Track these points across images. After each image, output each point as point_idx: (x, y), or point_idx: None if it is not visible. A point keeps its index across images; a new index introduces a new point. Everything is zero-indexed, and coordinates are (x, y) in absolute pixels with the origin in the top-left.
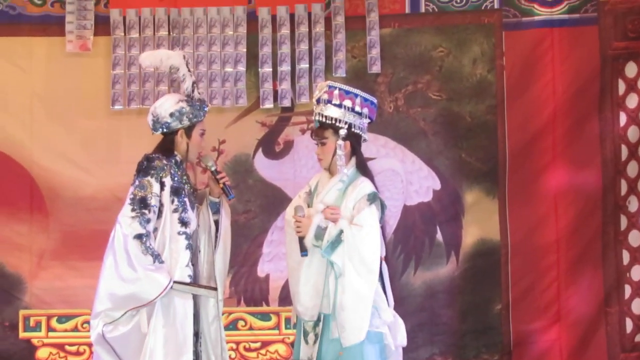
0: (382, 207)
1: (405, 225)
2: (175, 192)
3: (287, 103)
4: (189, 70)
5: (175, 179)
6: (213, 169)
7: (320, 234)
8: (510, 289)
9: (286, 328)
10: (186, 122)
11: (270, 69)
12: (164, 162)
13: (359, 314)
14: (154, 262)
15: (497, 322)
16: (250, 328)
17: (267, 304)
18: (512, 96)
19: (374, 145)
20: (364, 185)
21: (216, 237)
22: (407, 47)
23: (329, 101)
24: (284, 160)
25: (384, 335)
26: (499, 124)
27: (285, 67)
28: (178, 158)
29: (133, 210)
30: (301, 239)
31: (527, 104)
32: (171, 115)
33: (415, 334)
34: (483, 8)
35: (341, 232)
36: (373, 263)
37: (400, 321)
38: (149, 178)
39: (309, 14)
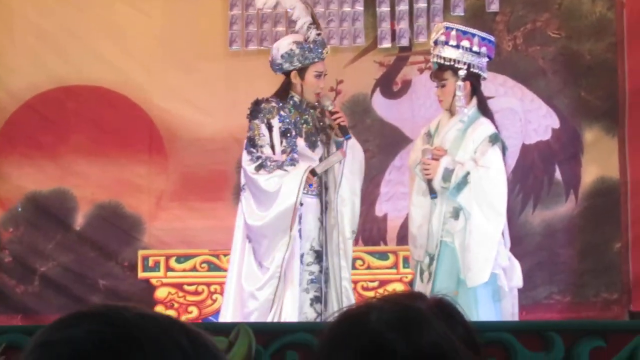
0: (504, 148)
1: (523, 165)
2: (284, 133)
3: (405, 42)
4: (307, 10)
5: (286, 120)
6: (330, 108)
7: (447, 175)
8: (630, 227)
9: (404, 267)
10: (297, 64)
11: (388, 9)
12: (273, 104)
13: (484, 255)
14: (284, 170)
15: (616, 261)
16: (368, 267)
17: (385, 244)
18: (632, 34)
19: (492, 84)
20: (485, 127)
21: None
22: None
23: (446, 42)
24: (401, 100)
25: (498, 277)
26: (619, 62)
27: (403, 7)
28: (296, 99)
29: (248, 153)
30: (429, 182)
31: None
32: (282, 56)
33: (533, 273)
34: None
35: (468, 173)
36: (500, 205)
37: (516, 262)
38: (256, 121)
39: None
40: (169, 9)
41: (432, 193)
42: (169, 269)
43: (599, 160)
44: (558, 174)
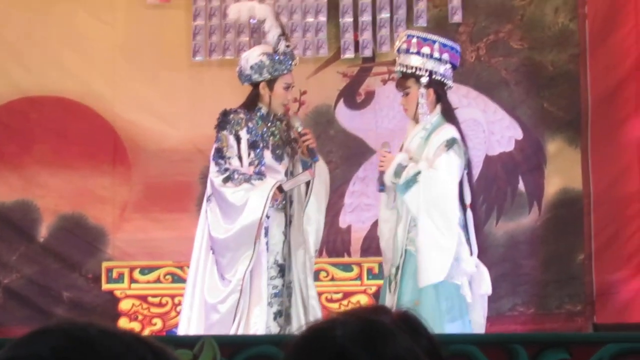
0: (465, 154)
1: (487, 176)
2: (252, 145)
3: (368, 53)
4: (278, 22)
5: (253, 132)
6: (299, 130)
7: (399, 171)
8: (593, 238)
9: (368, 279)
10: (266, 75)
11: (351, 19)
12: (241, 115)
13: (432, 255)
14: (251, 184)
15: (579, 272)
16: (332, 279)
17: (349, 255)
18: (595, 45)
19: (456, 95)
20: (445, 132)
21: (305, 194)
22: None
23: (408, 50)
24: (365, 111)
25: (460, 287)
26: (582, 73)
27: (366, 17)
28: (263, 110)
29: (215, 164)
30: (381, 174)
31: (610, 52)
32: (251, 67)
33: (497, 285)
34: None
35: (419, 173)
36: (448, 209)
37: (485, 270)
38: (224, 132)
39: None
40: (132, 19)
41: (381, 185)
42: (133, 280)
43: (562, 172)
44: (521, 185)
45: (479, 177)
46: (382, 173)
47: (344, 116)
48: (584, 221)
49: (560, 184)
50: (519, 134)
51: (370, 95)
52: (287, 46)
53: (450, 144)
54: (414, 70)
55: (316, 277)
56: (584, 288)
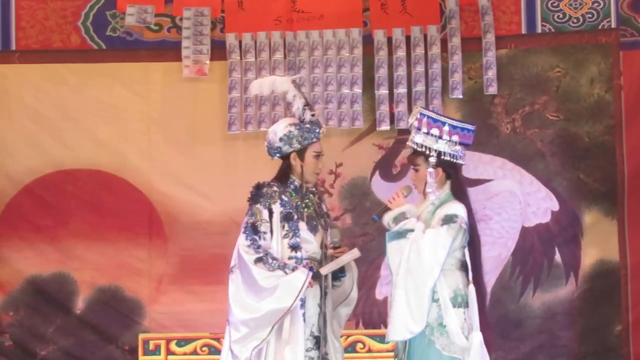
0: (464, 231)
1: (523, 247)
2: (286, 217)
3: (403, 125)
4: (300, 93)
5: (287, 204)
6: (338, 245)
7: (399, 218)
8: (631, 310)
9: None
10: (296, 145)
11: (387, 91)
12: (274, 188)
13: (401, 312)
14: (284, 272)
15: (617, 344)
16: (369, 350)
17: (385, 327)
18: (630, 116)
19: (491, 167)
20: (448, 207)
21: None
22: (524, 67)
23: (419, 129)
24: (401, 183)
25: None
26: (617, 144)
27: (401, 90)
28: (296, 183)
29: (247, 237)
30: (385, 209)
31: None
32: (280, 139)
33: (534, 356)
34: (600, 27)
35: (411, 231)
36: (418, 276)
37: (475, 346)
38: (257, 205)
39: (425, 36)
40: (167, 92)
41: (376, 215)
42: (169, 352)
43: (599, 243)
44: (558, 257)
45: (515, 248)
46: (386, 208)
47: (380, 188)
48: (621, 292)
49: (597, 256)
50: (555, 206)
51: (406, 167)
52: (312, 115)
53: (446, 220)
54: (423, 149)
55: (353, 349)
56: None
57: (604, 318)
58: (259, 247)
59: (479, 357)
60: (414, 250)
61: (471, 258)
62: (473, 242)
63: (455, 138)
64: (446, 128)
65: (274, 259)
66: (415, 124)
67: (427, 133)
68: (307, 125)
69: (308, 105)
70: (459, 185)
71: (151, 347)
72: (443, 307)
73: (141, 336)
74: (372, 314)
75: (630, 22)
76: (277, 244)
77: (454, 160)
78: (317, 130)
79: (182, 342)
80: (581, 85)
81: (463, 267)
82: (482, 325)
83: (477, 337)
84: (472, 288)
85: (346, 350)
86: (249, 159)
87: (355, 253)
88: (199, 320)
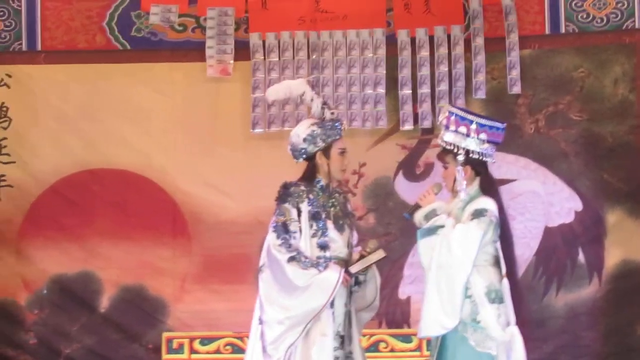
0: (494, 225)
1: (546, 247)
2: (314, 216)
3: (427, 125)
4: (315, 93)
5: (315, 203)
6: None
7: (430, 216)
8: None
9: (427, 350)
10: (321, 144)
11: (410, 91)
12: (302, 188)
13: (434, 308)
14: (318, 270)
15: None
16: (392, 350)
17: (409, 326)
18: None
19: (515, 167)
20: (478, 202)
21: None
22: (548, 68)
23: (447, 127)
24: (424, 183)
25: (495, 358)
26: None
27: (425, 89)
28: (323, 182)
29: (278, 237)
30: (416, 206)
31: None
32: (304, 140)
33: (557, 356)
34: (624, 28)
35: (442, 227)
36: (453, 267)
37: (518, 339)
38: (286, 205)
39: (448, 36)
40: (191, 92)
41: (408, 213)
42: (193, 351)
43: (623, 243)
44: (581, 257)
45: (539, 249)
46: (417, 205)
47: (403, 188)
48: None
49: (620, 256)
50: (578, 206)
51: (429, 167)
52: (332, 112)
53: (476, 214)
54: (451, 147)
55: (376, 348)
56: None
57: (627, 318)
58: (290, 245)
59: (522, 349)
60: (445, 245)
61: (504, 252)
62: (505, 237)
63: (482, 136)
64: (473, 126)
65: (305, 257)
66: (444, 122)
67: (456, 131)
68: (329, 123)
69: (326, 103)
70: (489, 182)
71: (175, 345)
72: (479, 302)
73: (165, 335)
74: (395, 314)
75: None
76: (305, 243)
77: (482, 159)
78: (339, 127)
79: (205, 341)
80: (605, 85)
81: (496, 263)
82: (519, 320)
83: (515, 330)
84: (505, 282)
85: (369, 349)
86: (272, 159)
87: (381, 253)
88: (222, 319)
